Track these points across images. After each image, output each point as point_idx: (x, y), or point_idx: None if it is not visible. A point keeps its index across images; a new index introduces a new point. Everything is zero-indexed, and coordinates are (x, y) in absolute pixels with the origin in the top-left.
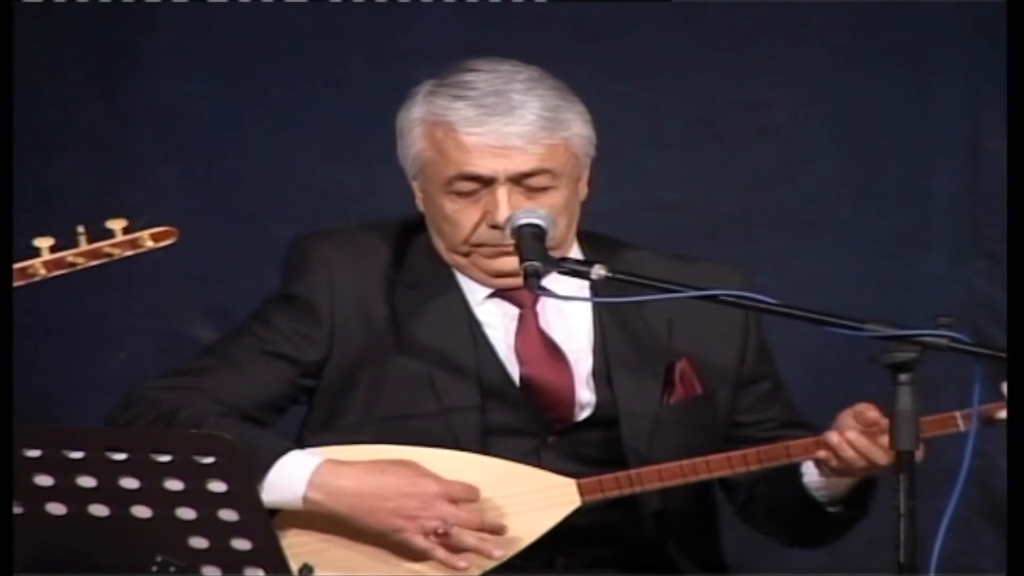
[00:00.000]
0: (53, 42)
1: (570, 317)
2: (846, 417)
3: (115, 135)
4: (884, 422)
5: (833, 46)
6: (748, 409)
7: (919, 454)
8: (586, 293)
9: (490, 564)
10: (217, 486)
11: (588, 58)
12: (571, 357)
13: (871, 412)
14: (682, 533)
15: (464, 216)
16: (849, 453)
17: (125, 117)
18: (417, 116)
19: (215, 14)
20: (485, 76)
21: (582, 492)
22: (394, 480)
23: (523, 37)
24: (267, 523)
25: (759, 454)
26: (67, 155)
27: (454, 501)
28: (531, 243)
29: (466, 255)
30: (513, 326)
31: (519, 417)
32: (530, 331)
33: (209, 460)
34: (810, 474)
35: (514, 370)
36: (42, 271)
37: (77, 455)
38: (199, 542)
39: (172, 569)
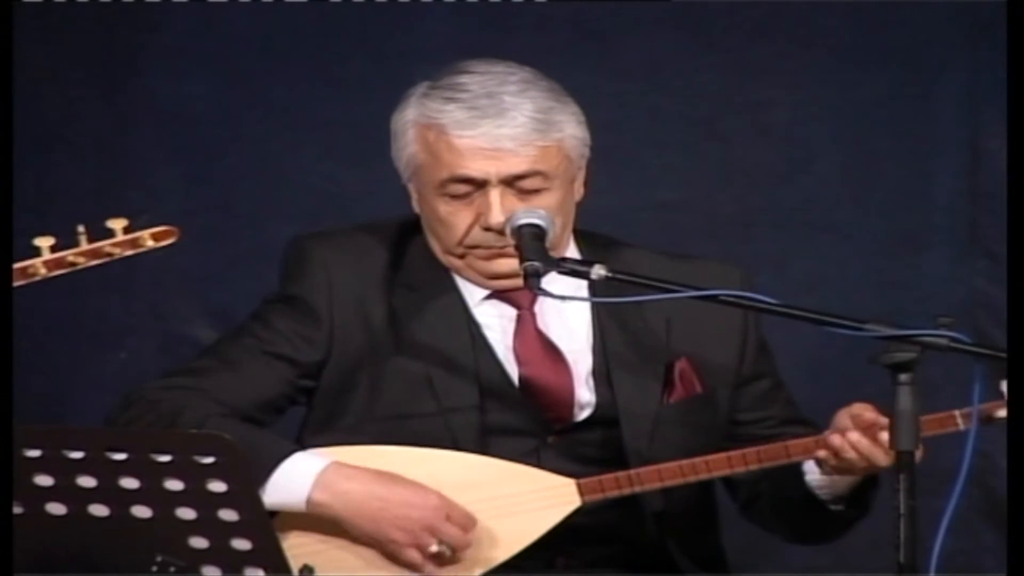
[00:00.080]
0: (53, 42)
1: (569, 317)
2: (843, 418)
3: (115, 135)
4: (882, 422)
5: (833, 46)
6: (748, 407)
7: (918, 454)
8: (585, 293)
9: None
10: (217, 486)
11: (588, 58)
12: (570, 357)
13: (868, 413)
14: (683, 532)
15: (457, 218)
16: (851, 454)
17: (125, 117)
18: (410, 118)
19: (215, 14)
20: (478, 78)
21: (582, 492)
22: (401, 491)
23: (523, 37)
24: (267, 523)
25: (759, 454)
26: (67, 155)
27: (453, 523)
28: (531, 243)
29: (461, 257)
30: (511, 327)
31: (519, 417)
32: (528, 332)
33: (209, 460)
34: (812, 473)
35: (513, 371)
36: (42, 271)
37: (77, 455)
38: (199, 542)
39: (172, 569)
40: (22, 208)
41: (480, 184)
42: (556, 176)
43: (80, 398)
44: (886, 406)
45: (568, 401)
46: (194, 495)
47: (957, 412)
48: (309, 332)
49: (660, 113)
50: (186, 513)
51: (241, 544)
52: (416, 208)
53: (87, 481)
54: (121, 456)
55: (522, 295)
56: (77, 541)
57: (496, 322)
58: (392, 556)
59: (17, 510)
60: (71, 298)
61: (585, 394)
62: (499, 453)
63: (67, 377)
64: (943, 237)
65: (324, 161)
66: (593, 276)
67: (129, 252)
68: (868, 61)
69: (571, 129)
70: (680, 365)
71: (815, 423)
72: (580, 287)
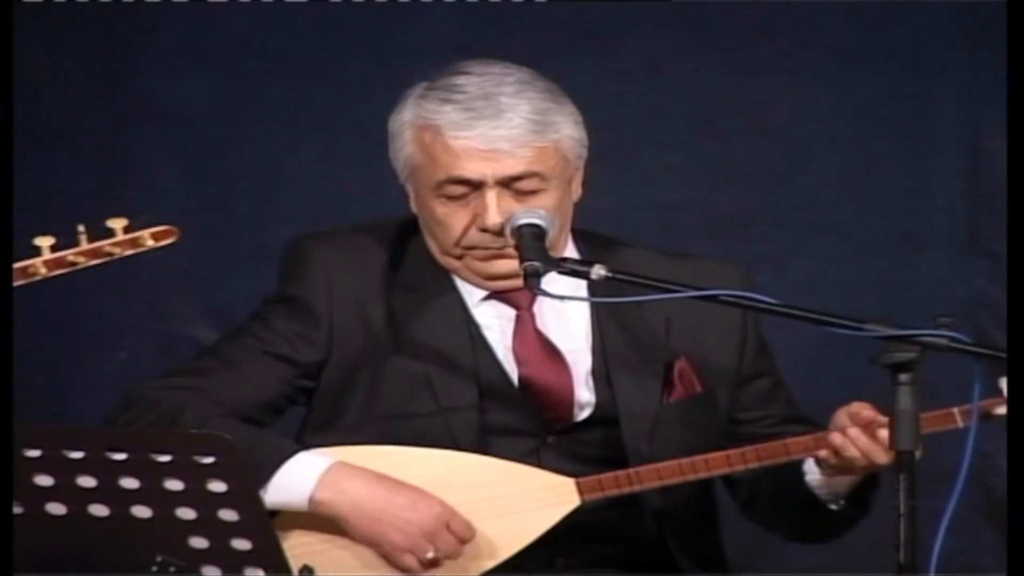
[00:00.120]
0: (53, 42)
1: (568, 317)
2: (842, 416)
3: (115, 135)
4: (880, 420)
5: (833, 46)
6: (748, 406)
7: (917, 452)
8: (584, 293)
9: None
10: (217, 486)
11: (588, 58)
12: (570, 357)
13: (867, 411)
14: (683, 532)
15: (454, 219)
16: (852, 452)
17: (125, 117)
18: (407, 119)
19: (215, 14)
20: (475, 79)
21: (581, 491)
22: (405, 495)
23: (523, 37)
24: (267, 523)
25: (758, 452)
26: (67, 155)
27: (452, 532)
28: (531, 243)
29: (458, 258)
30: (510, 327)
31: (519, 417)
32: (527, 332)
33: (209, 460)
34: (812, 473)
35: (512, 371)
36: (43, 270)
37: (77, 455)
38: (199, 542)
39: (172, 569)
40: (22, 208)
41: (476, 185)
42: (553, 177)
43: (80, 398)
44: (886, 406)
45: (568, 401)
46: (194, 495)
47: (956, 409)
48: (309, 332)
49: (660, 113)
50: (186, 513)
51: (241, 544)
52: (414, 209)
53: (87, 481)
54: (121, 456)
55: (521, 295)
56: (77, 541)
57: (495, 322)
58: (387, 558)
59: (17, 510)
60: (71, 298)
61: (585, 394)
62: (499, 453)
63: (67, 377)
64: (943, 237)
65: (324, 161)
66: (593, 276)
67: (129, 252)
68: (868, 61)
69: (568, 130)
70: (680, 364)
71: (815, 422)
72: (579, 287)
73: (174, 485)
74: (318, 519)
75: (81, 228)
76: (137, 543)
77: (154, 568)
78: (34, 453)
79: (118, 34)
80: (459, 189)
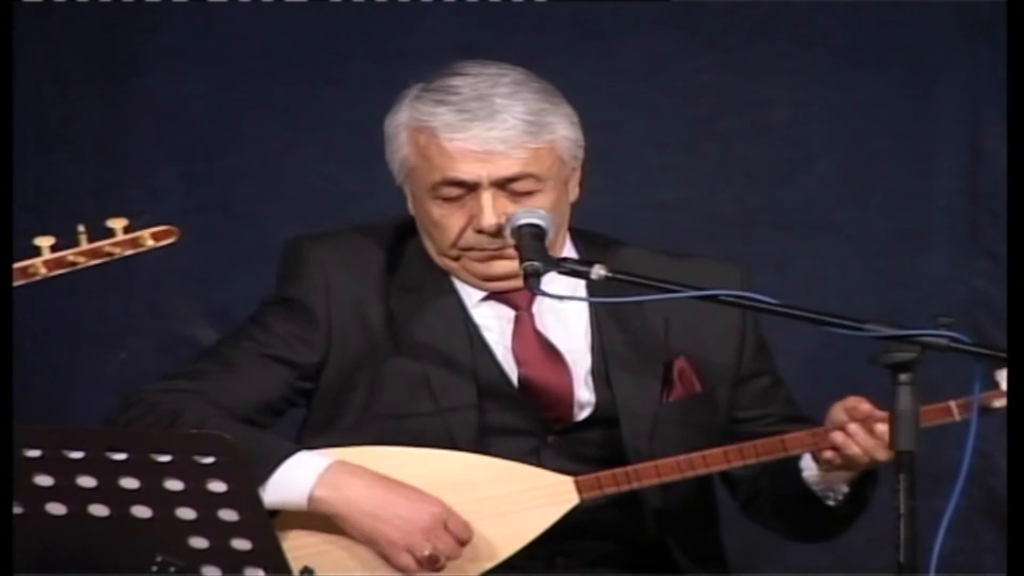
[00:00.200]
0: (53, 42)
1: (567, 317)
2: (839, 412)
3: (115, 135)
4: (878, 414)
5: (833, 46)
6: (747, 405)
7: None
8: (582, 293)
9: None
10: (217, 486)
11: (588, 58)
12: (569, 357)
13: (864, 405)
14: (682, 531)
15: (450, 221)
16: (854, 450)
17: (125, 117)
18: (402, 121)
19: (215, 14)
20: (469, 80)
21: (580, 489)
22: (403, 493)
23: (523, 37)
24: (267, 523)
25: (755, 448)
26: (67, 155)
27: (450, 532)
28: (531, 243)
29: (456, 259)
30: (509, 328)
31: (518, 417)
32: (527, 333)
33: (209, 460)
34: (809, 469)
35: (512, 371)
36: (43, 270)
37: (77, 455)
38: (199, 542)
39: (172, 569)
40: (22, 208)
41: (472, 187)
42: (549, 178)
43: (80, 398)
44: (886, 406)
45: (568, 401)
46: (194, 495)
47: (953, 402)
48: (307, 334)
49: (660, 113)
50: (186, 513)
51: (241, 544)
52: (412, 210)
53: (87, 481)
54: (121, 456)
55: (520, 296)
56: (77, 541)
57: (494, 323)
58: (385, 557)
59: (17, 510)
60: (71, 298)
61: (584, 394)
62: (500, 453)
63: (67, 377)
64: (943, 237)
65: (324, 161)
66: (593, 276)
67: (129, 252)
68: (868, 61)
69: (563, 131)
70: (679, 364)
71: (815, 421)
72: (578, 287)
73: (174, 485)
74: (317, 520)
75: (81, 228)
76: (137, 543)
77: (154, 568)
78: (34, 453)
79: (118, 34)
80: (454, 191)
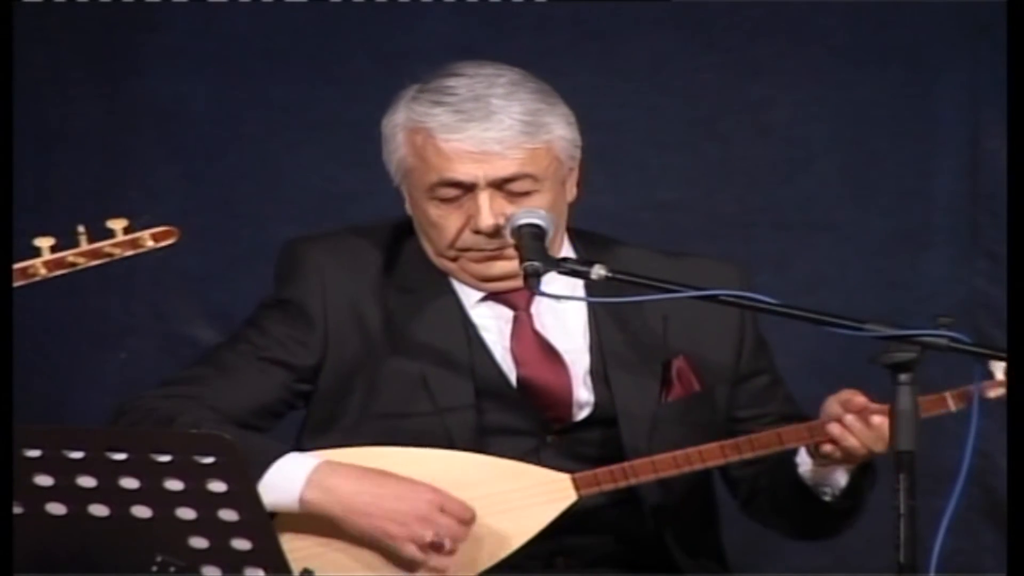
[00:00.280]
0: (53, 42)
1: (566, 317)
2: (833, 405)
3: (115, 135)
4: (873, 406)
5: (833, 46)
6: (746, 404)
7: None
8: (581, 293)
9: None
10: (217, 486)
11: (588, 58)
12: (568, 357)
13: (859, 398)
14: (682, 530)
15: (448, 221)
16: (851, 442)
17: (125, 117)
18: (399, 122)
19: (215, 14)
20: (466, 81)
21: (577, 486)
22: (392, 485)
23: (523, 37)
24: (267, 523)
25: (752, 442)
26: (67, 155)
27: (449, 514)
28: (531, 243)
29: (453, 260)
30: (508, 328)
31: (518, 418)
32: (525, 333)
33: (209, 460)
34: (804, 464)
35: (511, 371)
36: (43, 271)
37: (77, 455)
38: (199, 542)
39: (172, 569)
40: (22, 208)
41: (468, 187)
42: (546, 178)
43: (80, 398)
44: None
45: (567, 401)
46: (194, 495)
47: (948, 393)
48: (303, 336)
49: (660, 113)
50: (186, 513)
51: (241, 544)
52: (409, 210)
53: (87, 481)
54: (121, 456)
55: (518, 296)
56: (77, 541)
57: (493, 323)
58: (391, 554)
59: (17, 510)
60: (71, 298)
61: (583, 394)
62: (498, 453)
63: (67, 377)
64: (943, 237)
65: (324, 161)
66: (593, 276)
67: (129, 252)
68: (868, 61)
69: (560, 131)
70: (678, 363)
71: (815, 420)
72: (576, 287)
73: (174, 485)
74: (316, 521)
75: (81, 229)
76: (137, 543)
77: (154, 568)
78: (34, 453)
79: (118, 34)
80: (451, 191)
